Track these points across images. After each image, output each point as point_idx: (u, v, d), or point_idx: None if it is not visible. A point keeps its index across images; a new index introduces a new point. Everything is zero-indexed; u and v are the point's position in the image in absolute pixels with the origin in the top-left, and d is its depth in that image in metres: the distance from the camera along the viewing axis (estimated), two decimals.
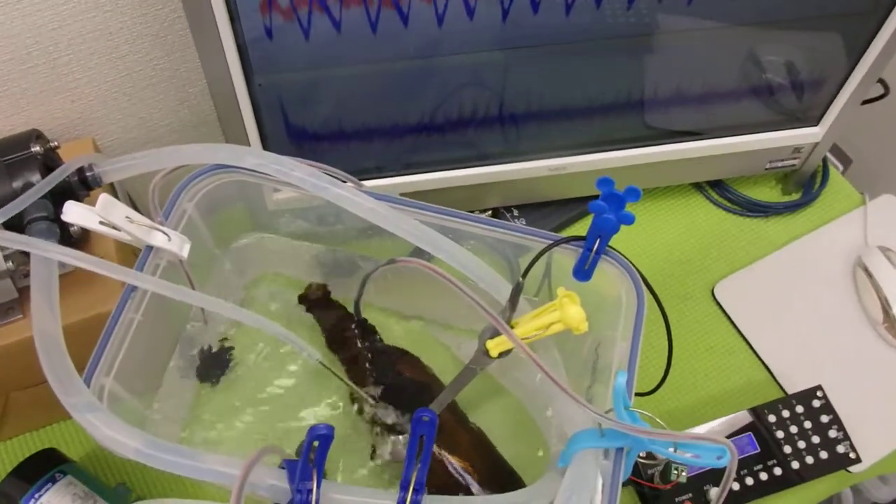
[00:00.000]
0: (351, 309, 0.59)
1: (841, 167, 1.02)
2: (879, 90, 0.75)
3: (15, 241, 0.43)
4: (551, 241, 0.50)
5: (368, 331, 0.58)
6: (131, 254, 0.61)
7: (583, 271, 0.51)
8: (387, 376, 0.56)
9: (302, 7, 0.51)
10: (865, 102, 0.71)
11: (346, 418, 0.57)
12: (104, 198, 0.42)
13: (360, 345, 0.57)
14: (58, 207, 0.45)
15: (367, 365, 0.57)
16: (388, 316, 0.62)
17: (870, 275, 0.72)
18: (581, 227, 0.77)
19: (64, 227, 0.47)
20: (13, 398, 0.59)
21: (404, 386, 0.57)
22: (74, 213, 0.44)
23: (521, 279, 0.47)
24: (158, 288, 0.44)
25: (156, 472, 0.61)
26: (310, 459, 0.39)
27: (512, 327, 0.45)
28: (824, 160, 0.82)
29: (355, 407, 0.56)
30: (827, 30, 0.64)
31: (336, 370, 0.58)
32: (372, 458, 0.55)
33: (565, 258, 0.51)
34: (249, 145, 0.58)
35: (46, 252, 0.43)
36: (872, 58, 0.65)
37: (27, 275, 0.54)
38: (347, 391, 0.57)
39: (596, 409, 0.42)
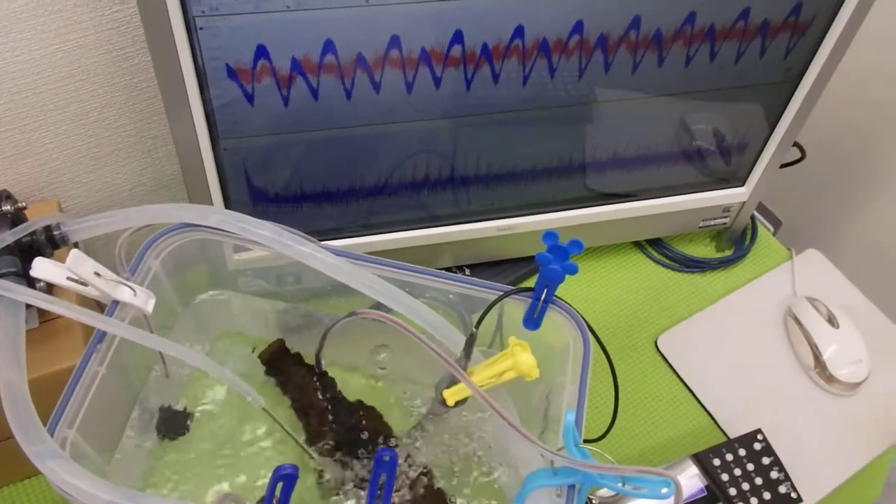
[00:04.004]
0: (311, 364, 0.60)
1: (772, 228, 1.09)
2: (797, 154, 0.82)
3: None
4: (503, 293, 0.54)
5: (328, 384, 0.60)
6: None
7: (532, 320, 0.54)
8: (347, 428, 0.57)
9: (261, 78, 0.54)
10: (785, 165, 0.78)
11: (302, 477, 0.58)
12: (75, 252, 0.44)
13: (321, 397, 0.59)
14: (26, 264, 0.46)
15: (328, 417, 0.58)
16: (343, 370, 0.63)
17: (800, 323, 0.77)
18: (529, 285, 0.80)
19: (31, 283, 0.48)
20: None
21: (364, 437, 0.58)
22: (43, 268, 0.45)
23: (474, 329, 0.50)
24: (124, 332, 0.45)
25: None
26: (274, 500, 0.40)
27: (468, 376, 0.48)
28: (752, 218, 0.88)
29: (317, 476, 0.57)
30: (747, 99, 0.70)
31: (295, 423, 0.59)
32: None
33: (516, 312, 0.54)
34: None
35: (17, 294, 0.44)
36: (787, 123, 0.72)
37: None
38: (307, 455, 0.58)
39: (548, 446, 0.45)
